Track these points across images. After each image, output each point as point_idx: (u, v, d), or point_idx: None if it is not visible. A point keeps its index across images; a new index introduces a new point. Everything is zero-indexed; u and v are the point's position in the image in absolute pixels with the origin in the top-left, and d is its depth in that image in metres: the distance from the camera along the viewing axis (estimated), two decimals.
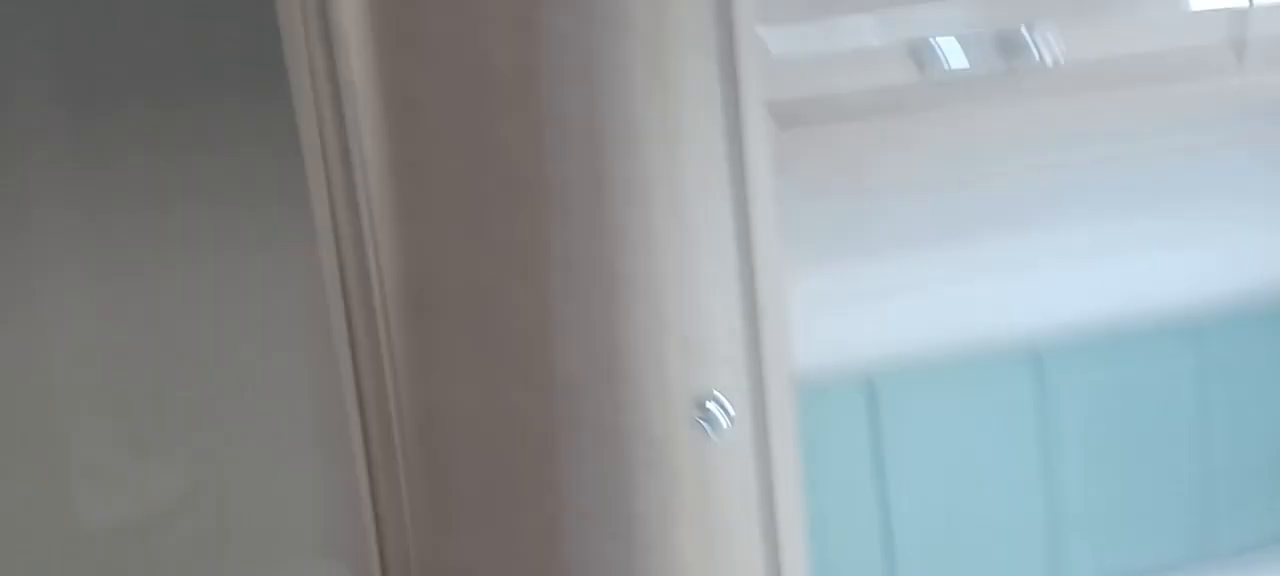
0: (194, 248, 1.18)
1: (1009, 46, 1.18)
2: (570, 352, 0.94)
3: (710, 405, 0.98)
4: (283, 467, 1.22)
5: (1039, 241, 1.53)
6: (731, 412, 0.98)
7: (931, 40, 1.17)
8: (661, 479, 0.97)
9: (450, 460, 0.95)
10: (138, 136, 1.15)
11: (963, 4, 1.19)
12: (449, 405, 0.94)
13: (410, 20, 0.89)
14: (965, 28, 1.18)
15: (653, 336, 0.95)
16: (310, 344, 1.14)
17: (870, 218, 1.46)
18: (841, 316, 1.47)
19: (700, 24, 0.93)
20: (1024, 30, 1.19)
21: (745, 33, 0.95)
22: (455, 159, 0.91)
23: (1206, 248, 1.60)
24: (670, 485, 0.97)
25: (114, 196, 1.17)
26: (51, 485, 1.20)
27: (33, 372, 1.18)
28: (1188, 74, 1.22)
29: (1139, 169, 1.55)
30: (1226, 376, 1.59)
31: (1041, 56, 1.19)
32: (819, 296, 1.45)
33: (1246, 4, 1.25)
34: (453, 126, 0.90)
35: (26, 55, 1.12)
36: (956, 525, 1.51)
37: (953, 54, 1.18)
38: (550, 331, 0.93)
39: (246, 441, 1.21)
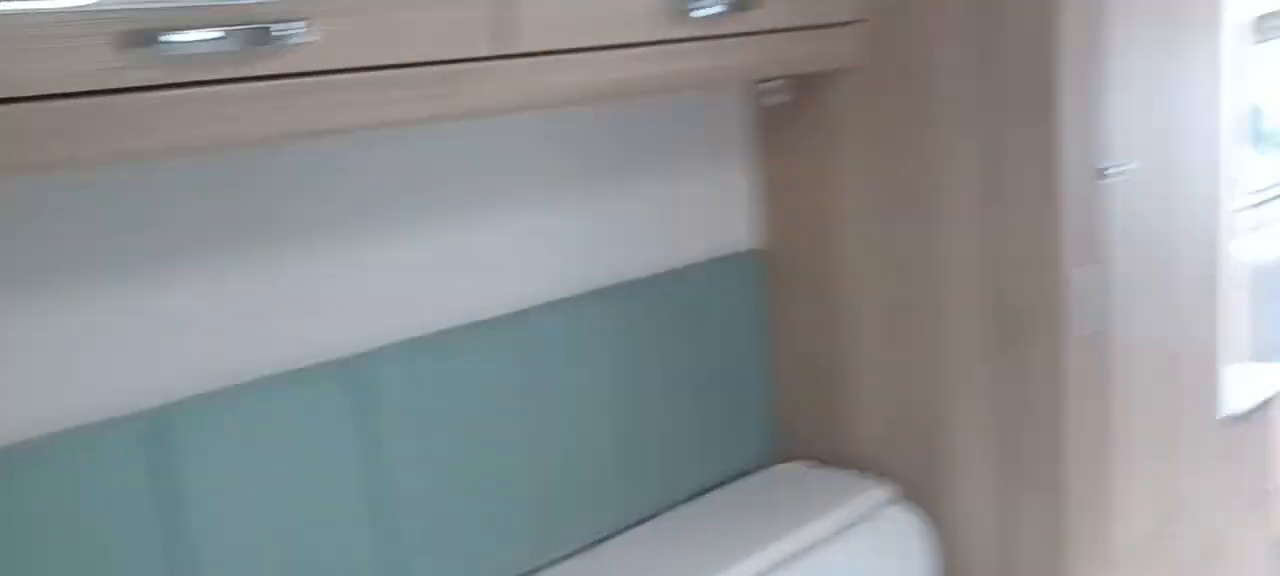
0: None
1: (256, 30, 1.04)
2: None
3: None
4: None
5: (345, 247, 1.42)
6: None
7: (153, 17, 0.98)
8: None
9: None
10: None
11: None
12: None
13: None
14: (202, 7, 1.02)
15: None
16: None
17: (139, 229, 1.25)
18: (119, 348, 1.23)
19: None
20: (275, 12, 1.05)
21: None
22: None
23: (520, 237, 1.61)
24: None
25: None
26: None
27: None
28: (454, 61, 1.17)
29: (439, 164, 1.50)
30: (555, 367, 1.62)
31: (295, 42, 1.06)
32: (85, 328, 1.21)
33: None
34: None
35: None
36: (280, 570, 1.33)
37: (185, 35, 1.01)
38: None
39: None
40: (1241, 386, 2.25)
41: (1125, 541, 1.77)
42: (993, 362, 1.68)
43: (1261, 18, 2.79)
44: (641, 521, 1.75)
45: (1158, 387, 1.83)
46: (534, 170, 1.60)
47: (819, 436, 1.91)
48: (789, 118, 1.81)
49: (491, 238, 1.56)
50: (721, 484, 1.87)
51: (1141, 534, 1.82)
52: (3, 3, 0.90)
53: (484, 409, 1.53)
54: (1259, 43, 2.97)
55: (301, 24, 1.05)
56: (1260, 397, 2.25)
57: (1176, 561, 1.93)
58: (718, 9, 1.41)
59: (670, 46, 1.39)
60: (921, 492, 1.79)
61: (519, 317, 1.58)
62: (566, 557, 1.65)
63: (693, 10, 1.38)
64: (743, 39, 1.47)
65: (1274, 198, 3.40)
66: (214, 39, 1.00)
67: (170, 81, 0.99)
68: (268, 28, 1.03)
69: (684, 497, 1.81)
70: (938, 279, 1.71)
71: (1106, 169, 1.61)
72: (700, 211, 1.84)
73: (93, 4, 0.94)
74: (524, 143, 1.59)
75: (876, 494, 1.77)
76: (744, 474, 1.90)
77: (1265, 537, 2.40)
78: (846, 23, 1.65)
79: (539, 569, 1.61)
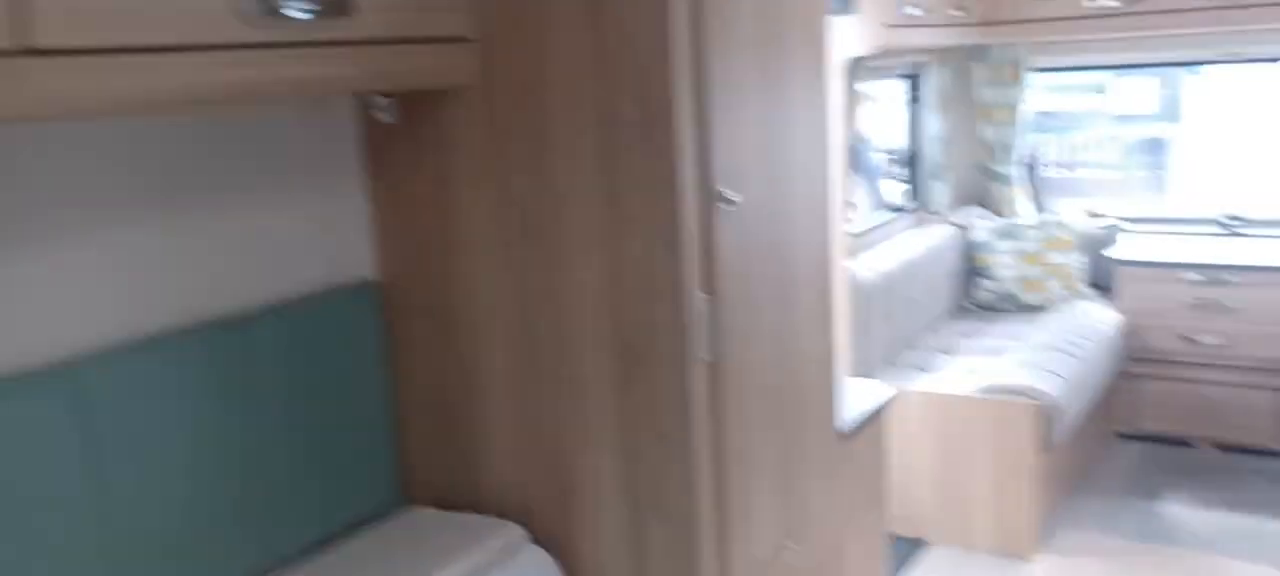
0: None
1: None
2: None
3: None
4: None
5: None
6: None
7: None
8: None
9: None
10: None
11: None
12: None
13: None
14: None
15: None
16: None
17: None
18: None
19: None
20: None
21: None
22: None
23: (75, 271, 1.37)
24: None
25: None
26: None
27: None
28: None
29: None
30: (127, 421, 1.39)
31: None
32: None
33: None
34: None
35: None
36: None
37: None
38: None
39: None
40: (852, 399, 2.40)
41: (754, 559, 1.80)
42: (619, 394, 1.65)
43: (858, 60, 3.04)
44: None
45: (777, 409, 1.88)
46: (98, 189, 1.37)
47: (446, 479, 1.79)
48: (403, 137, 1.69)
49: (34, 271, 1.31)
50: (343, 533, 1.70)
51: (768, 549, 1.86)
52: None
53: (25, 479, 1.27)
54: (860, 81, 3.24)
55: None
56: (869, 408, 2.41)
57: (801, 571, 1.99)
58: (307, 13, 1.26)
59: (250, 52, 1.22)
60: (553, 531, 1.72)
61: (72, 366, 1.34)
62: None
63: (281, 10, 1.23)
64: (338, 49, 1.33)
65: (874, 223, 3.73)
66: None
67: None
68: None
69: (300, 552, 1.64)
70: (563, 310, 1.65)
71: (722, 195, 1.63)
72: (309, 239, 1.67)
73: None
74: (86, 156, 1.35)
75: (506, 536, 1.68)
76: (367, 521, 1.74)
77: (879, 535, 2.58)
78: (457, 39, 1.56)
79: None
